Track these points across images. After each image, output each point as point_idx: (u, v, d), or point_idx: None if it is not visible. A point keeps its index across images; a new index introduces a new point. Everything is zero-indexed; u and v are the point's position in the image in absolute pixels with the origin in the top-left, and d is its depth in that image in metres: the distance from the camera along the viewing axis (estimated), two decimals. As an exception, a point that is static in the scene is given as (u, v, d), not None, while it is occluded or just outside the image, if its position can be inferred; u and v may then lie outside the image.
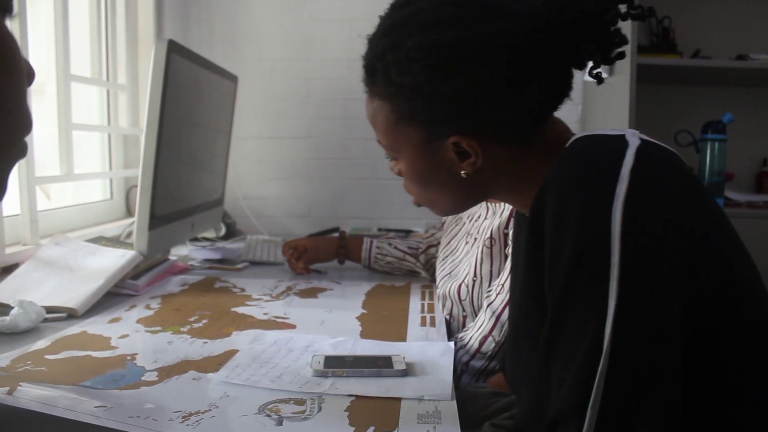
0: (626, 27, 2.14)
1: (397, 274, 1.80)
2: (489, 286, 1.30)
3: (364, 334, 1.21)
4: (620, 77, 2.17)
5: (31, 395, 0.81)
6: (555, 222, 0.64)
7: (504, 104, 0.75)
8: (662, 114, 2.55)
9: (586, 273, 0.61)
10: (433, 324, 1.30)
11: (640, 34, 2.32)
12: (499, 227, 1.31)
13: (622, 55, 0.77)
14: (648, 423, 0.58)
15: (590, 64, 0.77)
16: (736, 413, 0.64)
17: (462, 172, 0.79)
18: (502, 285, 1.22)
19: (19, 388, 0.83)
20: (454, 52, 0.73)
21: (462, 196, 0.84)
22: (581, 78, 2.69)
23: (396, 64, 0.75)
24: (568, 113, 2.54)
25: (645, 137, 0.68)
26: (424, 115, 0.77)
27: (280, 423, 0.80)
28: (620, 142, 0.66)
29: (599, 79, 0.79)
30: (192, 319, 1.29)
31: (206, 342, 1.14)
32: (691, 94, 2.57)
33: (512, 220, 1.31)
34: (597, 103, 2.44)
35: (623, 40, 0.76)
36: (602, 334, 0.58)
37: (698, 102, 2.56)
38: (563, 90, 0.78)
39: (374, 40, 0.79)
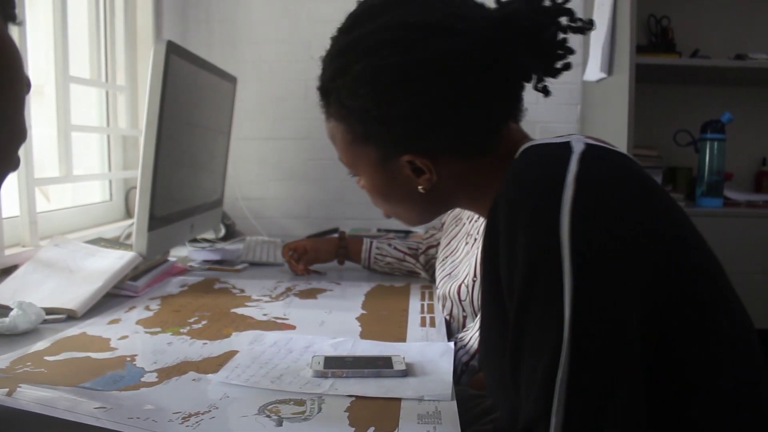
0: (625, 27, 2.15)
1: (397, 274, 1.80)
2: (489, 286, 1.30)
3: (363, 335, 1.21)
4: (619, 77, 2.17)
5: (30, 396, 0.81)
6: (507, 236, 0.65)
7: (451, 123, 0.76)
8: (661, 114, 2.55)
9: (540, 284, 0.61)
10: (432, 324, 1.30)
11: (639, 34, 2.32)
12: None
13: (567, 67, 0.77)
14: (612, 426, 0.58)
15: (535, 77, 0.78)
16: (701, 410, 0.65)
17: (419, 188, 0.80)
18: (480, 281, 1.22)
19: (18, 389, 0.83)
20: (397, 76, 0.74)
21: (425, 209, 0.86)
22: (580, 78, 2.67)
23: (345, 89, 0.77)
24: (567, 113, 2.56)
25: (591, 141, 0.69)
26: (376, 137, 0.78)
27: (280, 424, 0.80)
28: (565, 149, 0.67)
29: (545, 92, 0.79)
30: (191, 320, 1.29)
31: (206, 343, 1.14)
32: (690, 93, 2.58)
33: None
34: (596, 103, 2.44)
35: (568, 52, 0.76)
36: (560, 343, 0.59)
37: (697, 101, 2.56)
38: (513, 104, 0.79)
39: (325, 63, 0.81)
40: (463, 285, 1.35)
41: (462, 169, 0.79)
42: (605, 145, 0.70)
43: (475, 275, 1.33)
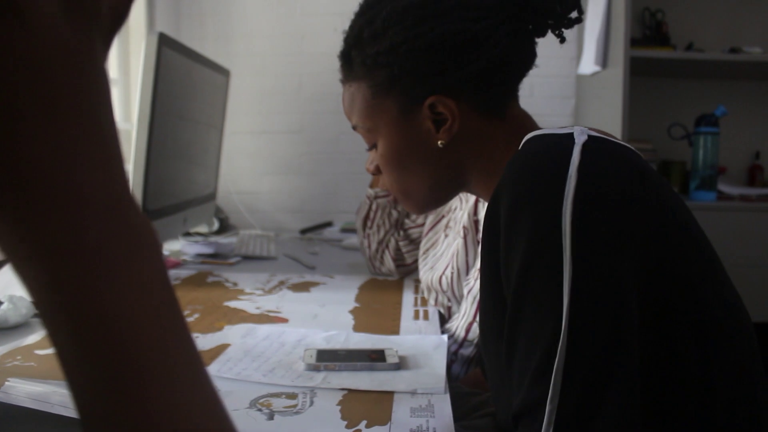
0: (619, 20, 2.15)
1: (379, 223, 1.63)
2: (467, 275, 1.31)
3: (357, 328, 1.21)
4: (613, 70, 2.17)
5: (21, 391, 0.80)
6: (508, 225, 0.65)
7: (475, 59, 0.79)
8: (655, 107, 2.55)
9: (539, 273, 0.61)
10: (426, 317, 1.30)
11: (634, 27, 2.32)
12: (469, 215, 1.31)
13: (579, 20, 0.82)
14: (607, 416, 0.58)
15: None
16: (695, 404, 0.65)
17: (439, 142, 0.81)
18: (479, 271, 1.22)
19: (6, 383, 0.82)
20: (428, 8, 0.78)
21: (438, 180, 0.86)
22: (575, 71, 2.68)
23: (372, 38, 0.80)
24: (561, 107, 2.56)
25: (594, 133, 0.69)
26: (400, 79, 0.80)
27: (271, 417, 0.79)
28: (567, 139, 0.67)
29: (562, 38, 0.83)
30: (184, 313, 1.28)
31: (198, 336, 1.13)
32: (684, 87, 2.58)
33: (478, 205, 1.30)
34: (590, 96, 2.44)
35: (576, 5, 0.81)
36: (558, 332, 0.59)
37: (691, 95, 2.56)
38: (528, 55, 0.83)
39: (350, 28, 0.84)
40: (443, 276, 1.35)
41: (479, 129, 0.82)
42: (607, 137, 0.70)
43: (453, 266, 1.34)
